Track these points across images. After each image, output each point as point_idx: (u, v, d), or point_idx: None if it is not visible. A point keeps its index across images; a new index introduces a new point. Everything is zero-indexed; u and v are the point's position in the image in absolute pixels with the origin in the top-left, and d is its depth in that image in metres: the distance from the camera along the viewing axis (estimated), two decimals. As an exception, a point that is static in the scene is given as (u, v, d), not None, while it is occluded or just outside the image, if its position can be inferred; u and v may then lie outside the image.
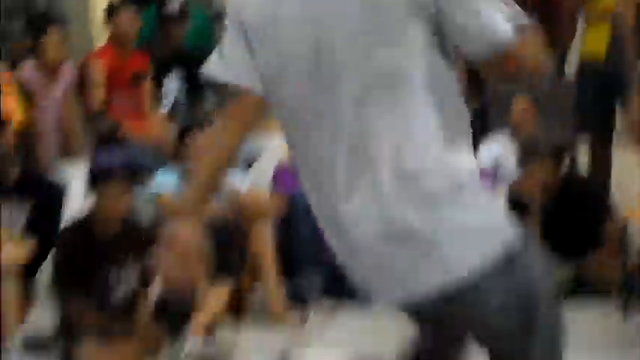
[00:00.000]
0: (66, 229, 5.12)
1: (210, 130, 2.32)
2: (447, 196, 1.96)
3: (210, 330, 4.76)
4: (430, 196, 1.93)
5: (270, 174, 5.84)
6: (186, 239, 2.12)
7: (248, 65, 2.10)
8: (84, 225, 4.88)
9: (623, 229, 4.96)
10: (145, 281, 4.63)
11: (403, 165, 1.93)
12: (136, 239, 4.75)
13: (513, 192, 5.18)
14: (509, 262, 1.93)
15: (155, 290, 4.42)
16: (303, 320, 5.07)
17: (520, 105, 5.53)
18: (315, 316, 5.16)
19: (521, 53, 1.88)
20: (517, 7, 1.89)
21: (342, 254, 2.16)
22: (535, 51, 1.92)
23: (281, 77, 2.04)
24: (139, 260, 4.74)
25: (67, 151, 6.54)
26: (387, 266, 2.04)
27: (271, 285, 5.14)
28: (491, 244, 1.95)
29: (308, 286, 5.33)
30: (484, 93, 6.29)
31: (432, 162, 1.95)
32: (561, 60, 6.53)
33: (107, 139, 5.76)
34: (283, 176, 5.61)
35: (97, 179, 4.76)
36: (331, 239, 2.15)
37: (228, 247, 5.03)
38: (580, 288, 4.92)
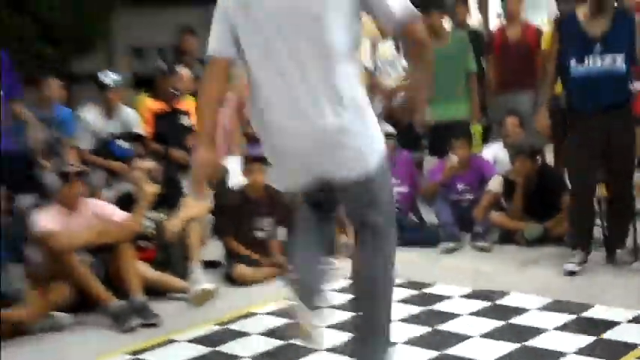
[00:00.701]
0: (230, 192, 6.32)
1: (204, 85, 3.20)
2: (359, 113, 2.92)
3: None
4: (350, 113, 2.85)
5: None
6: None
7: (228, 39, 2.98)
8: (241, 190, 6.01)
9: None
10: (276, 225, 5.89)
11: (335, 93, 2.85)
12: (272, 200, 5.85)
13: (506, 177, 6.31)
14: (384, 163, 3.04)
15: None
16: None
17: (511, 122, 6.63)
18: None
19: (420, 27, 2.88)
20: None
21: (278, 151, 3.08)
22: (424, 30, 2.90)
23: (261, 36, 2.89)
24: (274, 213, 5.89)
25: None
26: (324, 157, 2.92)
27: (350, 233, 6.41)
28: (380, 150, 3.01)
29: None
30: (487, 116, 7.59)
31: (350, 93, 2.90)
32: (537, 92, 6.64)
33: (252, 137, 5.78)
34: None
35: (247, 163, 5.97)
36: (272, 140, 3.06)
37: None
38: (547, 237, 6.07)
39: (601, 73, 5.10)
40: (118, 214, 5.39)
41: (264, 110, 2.98)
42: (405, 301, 5.05)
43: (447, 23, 7.90)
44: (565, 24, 5.48)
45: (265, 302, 5.10)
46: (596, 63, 5.10)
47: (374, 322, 3.11)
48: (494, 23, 9.79)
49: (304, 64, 2.83)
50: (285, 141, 2.97)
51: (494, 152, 6.83)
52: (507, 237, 6.27)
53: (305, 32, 2.81)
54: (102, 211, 5.40)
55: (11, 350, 4.56)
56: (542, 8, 9.00)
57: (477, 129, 7.36)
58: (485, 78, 7.54)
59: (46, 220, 5.05)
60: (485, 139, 7.40)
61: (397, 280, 5.16)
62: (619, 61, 5.08)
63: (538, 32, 7.54)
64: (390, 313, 3.20)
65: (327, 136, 2.84)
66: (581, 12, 5.23)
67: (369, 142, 2.94)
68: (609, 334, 4.18)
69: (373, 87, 7.55)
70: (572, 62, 5.19)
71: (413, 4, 6.42)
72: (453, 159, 6.52)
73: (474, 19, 9.19)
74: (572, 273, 5.28)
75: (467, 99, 7.19)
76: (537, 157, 6.38)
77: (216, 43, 3.00)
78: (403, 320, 4.65)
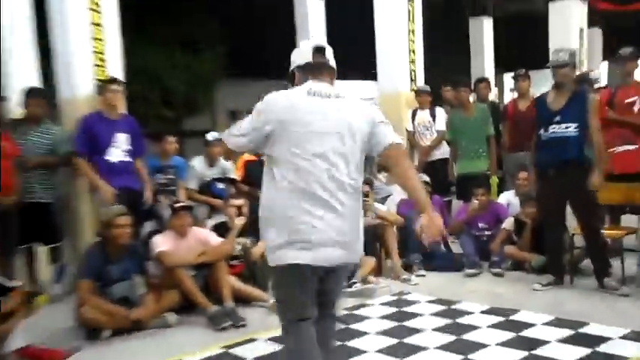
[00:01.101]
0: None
1: None
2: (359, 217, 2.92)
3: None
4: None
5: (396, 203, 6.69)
6: None
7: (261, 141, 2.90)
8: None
9: (571, 237, 5.72)
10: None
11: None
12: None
13: (517, 218, 6.19)
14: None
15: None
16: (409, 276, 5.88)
17: (521, 176, 6.45)
18: (417, 275, 6.01)
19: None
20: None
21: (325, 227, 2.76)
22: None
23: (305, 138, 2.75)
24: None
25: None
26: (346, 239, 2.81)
27: (395, 258, 6.08)
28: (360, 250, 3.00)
29: (413, 260, 6.18)
30: (502, 170, 7.46)
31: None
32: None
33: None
34: (403, 206, 6.53)
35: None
36: (312, 220, 2.73)
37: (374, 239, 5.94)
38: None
39: (557, 137, 5.26)
40: (215, 239, 5.43)
41: None
42: (436, 314, 4.97)
43: (472, 97, 7.89)
44: (538, 102, 5.69)
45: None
46: (556, 130, 5.26)
47: None
48: (509, 97, 9.71)
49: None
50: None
51: (508, 198, 6.69)
52: (518, 266, 6.16)
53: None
54: (203, 237, 5.44)
55: (131, 341, 4.64)
56: (546, 86, 8.92)
57: (494, 180, 7.35)
58: (501, 140, 7.47)
59: (162, 243, 5.17)
60: (501, 188, 7.25)
61: (430, 297, 5.31)
62: (571, 130, 5.20)
63: None
64: None
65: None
66: (550, 94, 5.47)
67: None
68: (603, 348, 4.05)
69: (413, 146, 7.56)
70: (541, 130, 5.40)
71: (446, 83, 6.28)
72: (475, 203, 6.47)
73: (493, 94, 9.12)
74: (536, 290, 5.40)
75: (487, 156, 7.16)
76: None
77: None
78: (435, 329, 4.58)
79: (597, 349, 4.03)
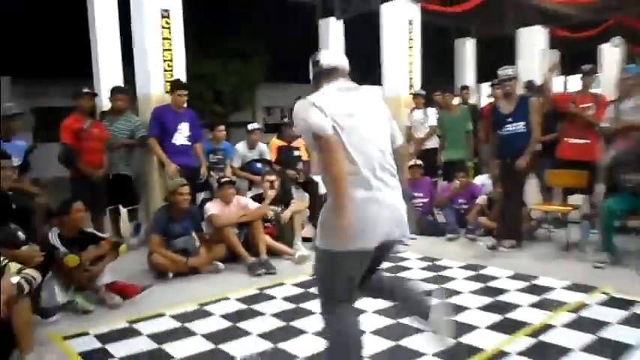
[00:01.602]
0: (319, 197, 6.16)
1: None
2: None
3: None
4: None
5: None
6: None
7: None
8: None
9: (529, 212, 5.84)
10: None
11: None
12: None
13: (489, 195, 6.15)
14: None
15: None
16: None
17: (493, 164, 5.96)
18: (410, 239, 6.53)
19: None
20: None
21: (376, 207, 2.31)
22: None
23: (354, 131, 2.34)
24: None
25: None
26: (398, 217, 2.38)
27: None
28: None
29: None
30: (479, 157, 7.48)
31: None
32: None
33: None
34: None
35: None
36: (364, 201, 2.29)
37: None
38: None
39: (510, 134, 5.38)
40: (252, 205, 5.49)
41: None
42: (423, 268, 4.99)
43: (456, 101, 7.90)
44: (493, 110, 5.80)
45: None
46: (507, 129, 5.39)
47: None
48: (486, 101, 9.68)
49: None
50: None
51: (482, 180, 6.63)
52: (488, 232, 6.09)
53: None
54: (244, 203, 5.49)
55: (189, 282, 4.74)
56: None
57: (472, 166, 7.30)
58: (477, 134, 7.44)
59: (212, 208, 5.27)
60: (477, 172, 7.21)
61: (419, 255, 5.31)
62: (520, 127, 5.32)
63: None
64: None
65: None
66: (501, 102, 5.65)
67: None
68: (550, 295, 4.10)
69: (409, 138, 7.57)
70: (498, 130, 5.53)
71: (436, 89, 6.25)
72: (457, 183, 6.45)
73: (473, 98, 9.10)
74: (501, 251, 5.33)
75: (466, 147, 7.12)
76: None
77: None
78: (422, 279, 4.59)
79: (545, 296, 4.07)
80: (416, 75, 8.38)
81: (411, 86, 8.32)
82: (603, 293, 4.03)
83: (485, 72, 13.83)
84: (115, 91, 6.01)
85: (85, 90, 5.59)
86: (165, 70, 6.15)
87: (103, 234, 4.39)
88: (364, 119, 2.42)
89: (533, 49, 11.38)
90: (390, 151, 2.48)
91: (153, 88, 6.05)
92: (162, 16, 6.06)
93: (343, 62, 2.58)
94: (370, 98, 2.54)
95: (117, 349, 3.32)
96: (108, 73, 6.99)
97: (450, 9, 9.86)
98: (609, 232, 4.79)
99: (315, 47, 9.36)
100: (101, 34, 7.03)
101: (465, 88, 8.51)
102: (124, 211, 6.26)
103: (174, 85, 5.83)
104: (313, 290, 4.15)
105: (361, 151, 2.33)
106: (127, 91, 6.15)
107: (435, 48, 11.08)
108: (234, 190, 5.50)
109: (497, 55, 13.87)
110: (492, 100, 7.57)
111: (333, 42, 10.47)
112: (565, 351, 3.08)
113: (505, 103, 5.50)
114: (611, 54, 13.57)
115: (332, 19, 10.49)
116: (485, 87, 13.28)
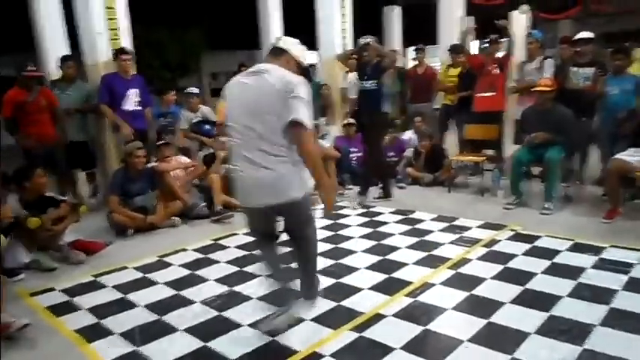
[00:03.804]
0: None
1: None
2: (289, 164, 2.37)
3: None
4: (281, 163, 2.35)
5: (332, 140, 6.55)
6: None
7: None
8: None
9: (450, 162, 6.03)
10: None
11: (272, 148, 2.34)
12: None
13: (415, 149, 6.29)
14: (306, 197, 2.46)
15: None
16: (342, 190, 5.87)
17: (418, 120, 6.57)
18: (347, 189, 6.00)
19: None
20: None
21: (242, 180, 2.43)
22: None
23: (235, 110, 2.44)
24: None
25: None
26: (264, 188, 2.37)
27: (333, 179, 5.63)
28: (305, 189, 2.44)
29: (344, 178, 6.17)
30: (406, 115, 7.40)
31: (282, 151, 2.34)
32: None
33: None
34: (338, 141, 6.45)
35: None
36: (240, 170, 2.42)
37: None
38: (435, 182, 6.07)
39: (365, 90, 5.36)
40: (188, 162, 5.60)
41: None
42: (359, 215, 5.09)
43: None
44: (360, 62, 5.60)
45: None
46: (364, 85, 5.38)
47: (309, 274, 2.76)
48: (411, 64, 9.77)
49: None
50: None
51: (409, 135, 6.76)
52: (415, 181, 6.28)
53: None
54: (181, 160, 5.57)
55: (148, 237, 4.70)
56: (434, 57, 9.07)
57: (399, 123, 7.40)
58: (405, 94, 7.55)
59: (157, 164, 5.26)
60: (404, 128, 7.33)
61: (354, 204, 5.37)
62: (374, 85, 5.32)
63: (433, 70, 7.45)
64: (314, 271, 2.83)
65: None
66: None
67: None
68: (467, 233, 4.29)
69: (344, 99, 7.56)
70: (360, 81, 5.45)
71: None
72: (386, 139, 6.42)
73: (401, 62, 9.15)
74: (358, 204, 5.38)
75: (394, 106, 7.18)
76: (432, 139, 6.40)
77: None
78: (358, 225, 4.71)
79: (463, 234, 4.28)
80: (349, 40, 8.33)
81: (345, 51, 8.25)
82: (511, 230, 4.27)
83: (410, 37, 13.94)
84: (64, 59, 5.68)
85: (29, 69, 5.12)
86: (112, 39, 5.84)
87: (62, 197, 4.23)
88: (245, 103, 2.42)
89: (453, 16, 11.55)
90: (271, 132, 2.35)
91: (100, 57, 5.75)
92: (104, -16, 5.69)
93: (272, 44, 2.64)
94: (264, 83, 2.38)
95: (83, 301, 3.29)
96: (53, 42, 6.53)
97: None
98: (517, 178, 5.02)
99: (254, 16, 9.05)
100: (44, 4, 6.53)
101: (393, 51, 8.52)
102: (82, 174, 6.05)
103: (118, 52, 5.59)
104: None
105: (236, 130, 2.45)
106: (76, 58, 5.81)
107: (366, 15, 11.01)
108: (172, 150, 5.48)
109: (421, 21, 14.00)
110: (417, 62, 7.73)
111: (272, 9, 10.18)
112: (480, 280, 3.28)
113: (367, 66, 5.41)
114: (519, 20, 13.94)
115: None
116: (410, 51, 13.45)
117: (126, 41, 5.86)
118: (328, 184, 2.44)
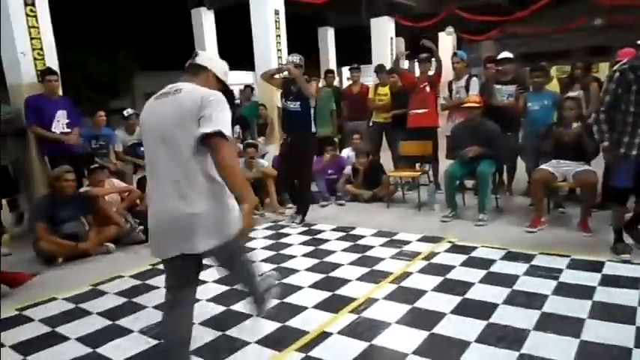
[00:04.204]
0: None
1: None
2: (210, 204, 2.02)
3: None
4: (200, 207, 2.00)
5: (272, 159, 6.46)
6: None
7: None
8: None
9: (387, 178, 6.08)
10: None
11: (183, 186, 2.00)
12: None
13: (354, 166, 6.28)
14: (230, 239, 2.04)
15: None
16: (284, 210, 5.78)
17: (355, 137, 6.46)
18: (288, 208, 5.85)
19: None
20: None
21: (155, 220, 2.11)
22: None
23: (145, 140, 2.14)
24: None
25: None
26: (181, 231, 2.02)
27: (273, 199, 5.87)
28: (229, 232, 2.04)
29: (285, 198, 6.05)
30: (343, 133, 7.52)
31: (199, 187, 2.00)
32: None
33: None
34: (276, 160, 6.25)
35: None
36: (152, 210, 2.12)
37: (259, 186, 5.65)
38: (374, 198, 6.10)
39: (291, 112, 5.25)
40: (124, 186, 5.38)
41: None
42: (301, 233, 5.08)
43: (321, 83, 8.03)
44: (285, 81, 5.39)
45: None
46: (288, 105, 5.27)
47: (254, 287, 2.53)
48: (346, 83, 9.99)
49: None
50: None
51: (347, 153, 6.77)
52: (355, 198, 6.33)
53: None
54: (117, 184, 5.33)
55: (80, 265, 4.46)
56: (369, 76, 9.30)
57: (336, 141, 7.44)
58: (342, 113, 7.66)
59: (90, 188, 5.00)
60: (342, 146, 7.42)
61: (296, 222, 5.35)
62: (298, 106, 5.20)
63: (367, 88, 7.52)
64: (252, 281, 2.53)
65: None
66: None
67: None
68: (407, 247, 4.37)
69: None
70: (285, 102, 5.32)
71: (301, 70, 6.21)
72: (327, 157, 6.51)
73: (336, 81, 9.29)
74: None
75: (331, 124, 7.23)
76: (369, 156, 6.46)
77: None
78: (300, 243, 4.69)
79: (404, 248, 4.34)
80: (284, 60, 8.36)
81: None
82: (449, 242, 4.39)
83: (345, 57, 14.25)
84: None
85: None
86: (36, 59, 5.57)
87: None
88: (154, 128, 2.10)
89: (384, 37, 11.98)
90: (185, 161, 2.02)
91: (24, 78, 5.46)
92: (27, 4, 5.45)
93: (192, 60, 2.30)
94: (175, 103, 2.06)
95: (6, 337, 3.04)
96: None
97: (310, 0, 9.97)
98: (451, 192, 5.18)
99: (190, 37, 8.97)
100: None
101: (330, 72, 8.65)
102: (4, 201, 5.65)
103: (43, 72, 5.37)
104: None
105: (149, 160, 2.14)
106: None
107: (301, 35, 11.15)
108: (105, 174, 5.24)
109: (354, 42, 14.37)
110: (351, 82, 7.88)
111: (206, 30, 10.14)
112: (421, 293, 3.34)
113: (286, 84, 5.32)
114: (446, 40, 14.61)
115: (203, 9, 10.16)
116: (345, 70, 13.76)
117: (51, 61, 5.63)
118: (251, 199, 1.98)
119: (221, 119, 1.99)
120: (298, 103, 5.21)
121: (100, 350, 2.80)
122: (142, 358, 2.69)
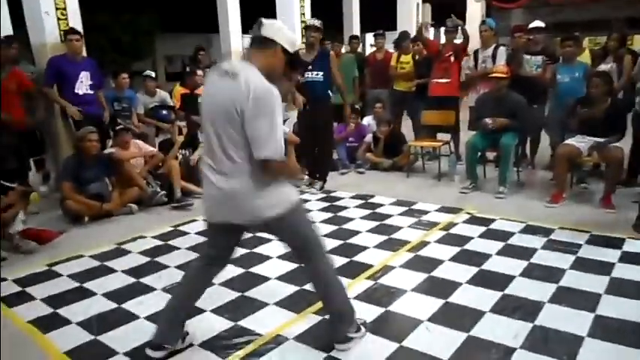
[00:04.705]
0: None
1: None
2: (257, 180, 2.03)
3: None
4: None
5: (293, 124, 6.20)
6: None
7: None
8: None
9: (408, 147, 6.08)
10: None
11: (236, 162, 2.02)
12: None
13: (374, 134, 6.31)
14: (293, 210, 2.13)
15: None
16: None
17: (377, 105, 6.53)
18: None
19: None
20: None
21: (206, 187, 2.14)
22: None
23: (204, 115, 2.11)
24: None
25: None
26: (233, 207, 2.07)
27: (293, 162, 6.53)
28: (285, 203, 2.11)
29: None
30: (365, 101, 7.47)
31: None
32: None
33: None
34: (297, 127, 5.92)
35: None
36: (204, 177, 2.13)
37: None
38: (394, 167, 6.11)
39: (310, 81, 5.23)
40: (148, 148, 5.44)
41: None
42: (320, 199, 5.13)
43: (343, 49, 7.94)
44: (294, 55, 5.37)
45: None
46: (309, 76, 5.21)
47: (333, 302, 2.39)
48: (369, 50, 9.86)
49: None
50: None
51: (368, 121, 6.80)
52: (374, 166, 6.34)
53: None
54: (140, 145, 5.40)
55: (105, 225, 4.58)
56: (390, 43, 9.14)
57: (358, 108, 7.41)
58: (364, 80, 7.59)
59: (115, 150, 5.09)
60: (363, 114, 7.38)
61: (316, 189, 5.36)
62: (320, 76, 5.20)
63: (391, 56, 7.32)
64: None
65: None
66: (303, 50, 5.26)
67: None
68: (425, 217, 4.39)
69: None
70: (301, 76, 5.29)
71: (324, 38, 6.16)
72: (352, 125, 6.50)
73: (359, 47, 9.15)
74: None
75: (353, 91, 7.15)
76: (390, 124, 6.43)
77: None
78: (320, 210, 4.74)
79: (422, 217, 4.38)
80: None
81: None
82: (467, 213, 4.40)
83: (369, 23, 14.01)
84: (6, 39, 5.36)
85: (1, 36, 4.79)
86: (59, 19, 5.61)
87: (11, 183, 4.05)
88: (214, 106, 2.08)
89: (410, 3, 11.72)
90: (232, 141, 2.04)
91: (47, 38, 5.51)
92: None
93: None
94: (232, 90, 2.01)
95: (38, 291, 3.18)
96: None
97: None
98: (472, 163, 5.15)
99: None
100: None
101: (354, 37, 8.55)
102: (31, 160, 5.76)
103: (66, 32, 5.41)
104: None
105: (206, 132, 2.14)
106: (20, 39, 5.53)
107: (324, 1, 10.96)
108: (130, 136, 5.31)
109: (379, 7, 14.09)
110: (375, 49, 7.77)
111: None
112: (438, 262, 3.37)
113: (306, 51, 5.26)
114: (474, 8, 14.24)
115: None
116: (369, 37, 13.54)
117: (75, 22, 5.66)
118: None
119: (271, 136, 1.96)
120: (321, 73, 5.22)
121: (125, 306, 2.92)
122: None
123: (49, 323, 2.75)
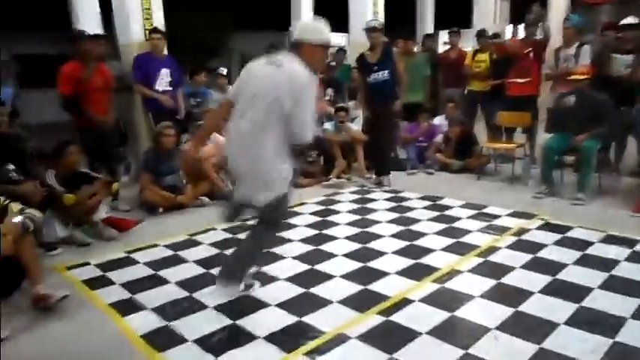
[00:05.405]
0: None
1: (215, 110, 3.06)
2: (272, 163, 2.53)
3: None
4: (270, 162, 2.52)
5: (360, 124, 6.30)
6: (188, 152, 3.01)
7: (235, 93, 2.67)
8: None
9: (480, 149, 5.93)
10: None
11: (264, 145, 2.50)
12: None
13: (445, 134, 6.19)
14: (285, 195, 2.63)
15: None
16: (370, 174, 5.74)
17: (449, 105, 6.44)
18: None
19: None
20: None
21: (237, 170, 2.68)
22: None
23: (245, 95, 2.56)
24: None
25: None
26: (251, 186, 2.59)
27: (361, 163, 5.85)
28: (282, 188, 2.60)
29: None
30: (437, 100, 7.32)
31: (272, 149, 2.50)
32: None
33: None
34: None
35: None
36: (234, 162, 2.65)
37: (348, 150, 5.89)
38: (465, 169, 5.96)
39: (376, 82, 5.30)
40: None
41: None
42: (387, 199, 5.10)
43: (416, 48, 7.81)
44: (360, 58, 5.51)
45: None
46: (375, 77, 5.30)
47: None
48: (443, 48, 9.61)
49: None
50: None
51: (440, 121, 6.67)
52: (444, 167, 6.24)
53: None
54: (219, 140, 5.26)
55: (178, 216, 4.77)
56: (469, 40, 8.91)
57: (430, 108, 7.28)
58: (437, 79, 7.44)
59: (189, 147, 5.15)
60: (434, 113, 7.23)
61: (386, 188, 5.35)
62: (386, 75, 5.27)
63: (466, 54, 7.14)
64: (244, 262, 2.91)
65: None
66: (367, 52, 5.41)
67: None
68: (496, 221, 4.27)
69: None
70: (367, 77, 5.38)
71: (396, 35, 6.06)
72: (425, 125, 6.44)
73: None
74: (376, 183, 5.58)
75: (423, 90, 7.02)
76: (462, 125, 6.30)
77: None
78: (386, 210, 4.72)
79: (492, 222, 4.25)
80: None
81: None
82: (541, 220, 4.22)
83: (443, 20, 13.68)
84: (94, 38, 5.72)
85: (91, 33, 5.06)
86: (146, 19, 5.92)
87: (97, 173, 4.32)
88: (256, 88, 2.55)
89: (488, 0, 11.31)
90: (262, 125, 2.52)
91: (133, 37, 5.84)
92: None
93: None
94: (277, 77, 2.51)
95: (117, 276, 3.39)
96: (86, 21, 6.64)
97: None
98: (548, 167, 4.93)
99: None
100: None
101: (429, 36, 8.42)
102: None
103: (151, 31, 5.69)
104: (290, 220, 4.27)
105: (242, 113, 2.58)
106: (107, 38, 5.90)
107: (396, 1, 10.84)
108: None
109: (454, 4, 13.72)
110: (449, 47, 7.58)
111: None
112: (509, 269, 3.26)
113: (370, 53, 5.35)
114: (557, 2, 13.50)
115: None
116: (443, 34, 13.23)
117: (158, 21, 5.94)
118: None
119: (308, 120, 2.49)
120: (387, 71, 5.24)
121: (196, 295, 3.04)
122: (231, 306, 2.87)
123: (126, 307, 2.92)
